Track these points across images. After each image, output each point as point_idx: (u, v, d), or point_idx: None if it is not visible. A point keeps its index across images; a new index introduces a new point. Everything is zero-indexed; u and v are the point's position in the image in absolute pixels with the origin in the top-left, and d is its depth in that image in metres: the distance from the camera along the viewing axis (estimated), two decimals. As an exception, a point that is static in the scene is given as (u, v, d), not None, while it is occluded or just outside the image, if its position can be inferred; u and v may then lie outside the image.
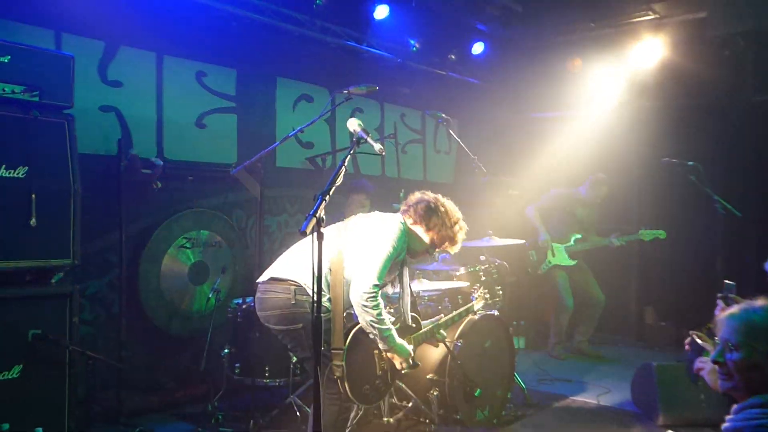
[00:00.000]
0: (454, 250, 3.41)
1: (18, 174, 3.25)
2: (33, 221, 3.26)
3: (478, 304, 4.03)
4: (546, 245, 6.19)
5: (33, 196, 3.27)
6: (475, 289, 4.21)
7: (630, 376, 4.75)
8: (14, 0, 3.92)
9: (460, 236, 3.35)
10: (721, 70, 6.26)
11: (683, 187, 5.27)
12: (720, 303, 2.84)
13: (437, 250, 3.41)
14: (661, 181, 6.44)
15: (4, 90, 3.19)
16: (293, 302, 3.05)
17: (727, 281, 3.09)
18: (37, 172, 3.31)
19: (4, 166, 3.20)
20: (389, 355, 3.14)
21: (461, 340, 3.91)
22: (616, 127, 6.76)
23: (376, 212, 3.43)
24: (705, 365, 2.33)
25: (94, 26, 4.35)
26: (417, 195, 3.38)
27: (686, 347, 2.76)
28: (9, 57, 3.22)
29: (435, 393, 3.77)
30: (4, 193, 3.20)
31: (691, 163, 5.03)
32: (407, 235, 3.25)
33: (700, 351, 2.57)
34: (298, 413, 4.00)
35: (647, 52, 6.41)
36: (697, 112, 6.50)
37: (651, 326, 6.94)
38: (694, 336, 2.66)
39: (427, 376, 3.88)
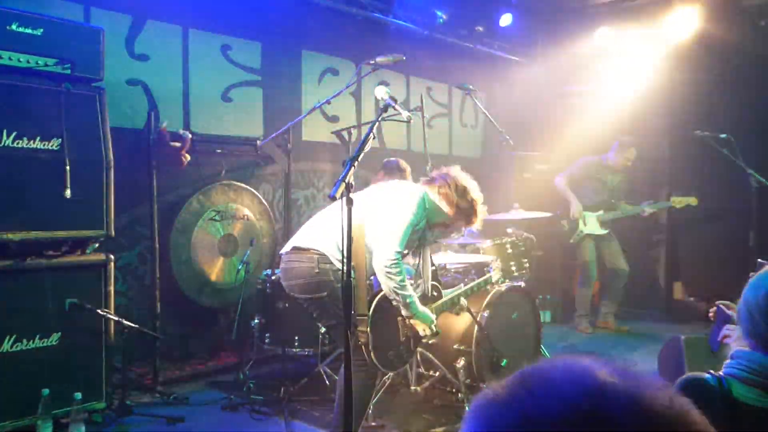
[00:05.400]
0: (474, 227, 3.40)
1: (52, 146, 3.31)
2: (67, 192, 3.32)
3: (495, 276, 4.02)
4: (578, 214, 6.14)
5: (67, 167, 3.33)
6: (492, 260, 4.21)
7: (657, 351, 4.71)
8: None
9: (480, 213, 3.34)
10: (756, 40, 6.09)
11: (716, 160, 5.17)
12: None
13: (456, 225, 3.40)
14: (693, 153, 6.32)
15: (37, 63, 3.24)
16: (317, 271, 3.09)
17: (760, 260, 3.03)
18: (71, 144, 3.36)
19: (38, 137, 3.27)
20: (412, 322, 3.17)
21: (488, 311, 3.93)
22: (648, 99, 6.63)
23: (396, 180, 3.43)
24: (732, 332, 2.30)
25: (122, 0, 4.38)
26: (441, 168, 3.38)
27: (710, 316, 2.73)
28: (42, 30, 3.26)
29: (462, 363, 3.80)
30: (40, 165, 3.27)
31: (723, 135, 4.93)
32: (428, 204, 3.25)
33: (726, 319, 2.53)
34: (327, 381, 4.07)
35: (681, 22, 6.24)
36: (732, 84, 6.35)
37: (679, 301, 6.88)
38: (721, 305, 2.63)
39: (454, 346, 3.90)
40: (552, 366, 0.66)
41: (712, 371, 1.71)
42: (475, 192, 3.33)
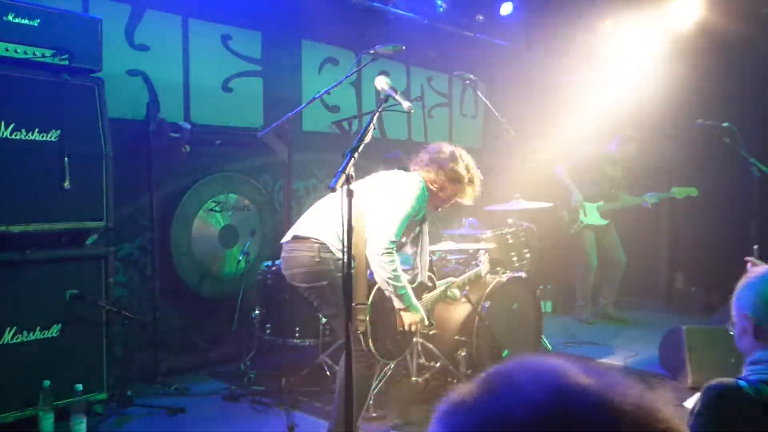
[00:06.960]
0: (473, 195, 3.34)
1: (51, 137, 3.30)
2: (67, 184, 3.32)
3: (484, 268, 3.99)
4: (578, 205, 6.13)
5: (66, 159, 3.32)
6: (481, 253, 4.19)
7: (658, 340, 4.73)
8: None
9: (477, 177, 3.32)
10: (759, 29, 6.04)
11: (717, 150, 5.14)
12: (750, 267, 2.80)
13: (459, 195, 3.35)
14: (695, 143, 6.29)
15: (35, 54, 3.22)
16: (318, 260, 3.08)
17: (755, 247, 3.04)
18: (69, 136, 3.35)
19: (37, 129, 3.25)
20: (402, 314, 3.14)
21: (488, 301, 3.92)
22: (649, 89, 6.59)
23: (396, 170, 3.42)
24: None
25: (120, -11, 4.36)
26: (428, 148, 3.35)
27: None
28: (38, 21, 3.24)
29: (462, 353, 3.80)
30: (38, 157, 3.26)
31: (725, 124, 4.90)
32: (427, 192, 3.23)
33: None
34: (327, 372, 4.07)
35: (683, 10, 6.20)
36: (734, 73, 6.30)
37: (680, 291, 6.87)
38: (750, 261, 2.63)
39: (455, 337, 3.91)
40: (518, 367, 0.64)
41: (743, 377, 1.63)
42: (466, 158, 3.30)
